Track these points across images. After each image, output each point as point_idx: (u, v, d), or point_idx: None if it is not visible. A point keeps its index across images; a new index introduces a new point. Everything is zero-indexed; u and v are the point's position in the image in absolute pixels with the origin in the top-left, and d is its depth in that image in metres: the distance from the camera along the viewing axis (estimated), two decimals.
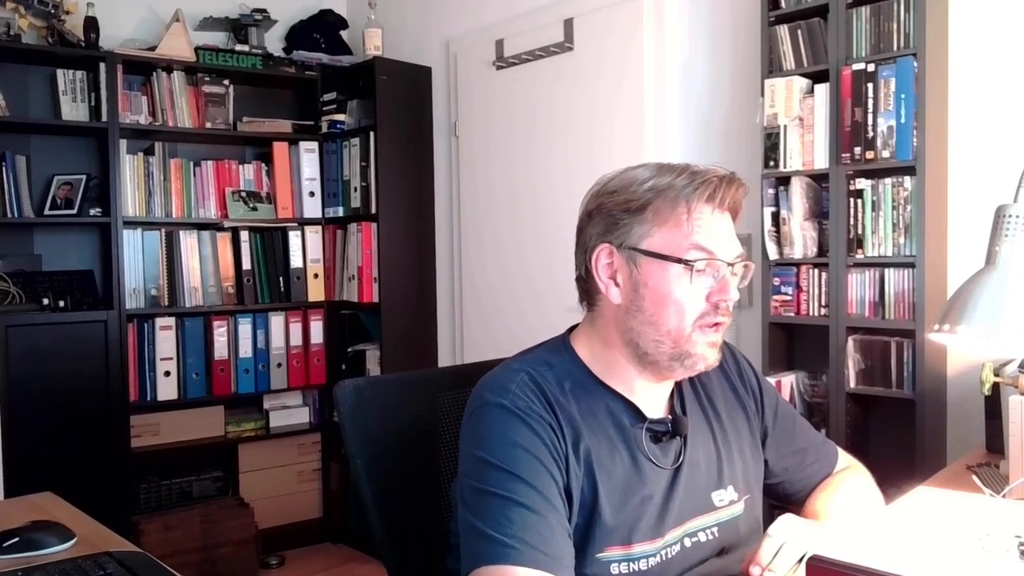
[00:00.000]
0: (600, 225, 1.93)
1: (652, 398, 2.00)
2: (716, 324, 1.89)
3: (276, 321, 6.03)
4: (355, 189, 5.95)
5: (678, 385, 2.07)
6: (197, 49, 5.74)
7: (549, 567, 1.67)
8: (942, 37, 3.70)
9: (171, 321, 5.66)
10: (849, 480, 2.28)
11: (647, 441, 1.94)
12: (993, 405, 2.88)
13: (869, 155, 3.64)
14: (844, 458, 2.38)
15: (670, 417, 2.00)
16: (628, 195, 1.89)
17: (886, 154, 3.60)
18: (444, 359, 6.09)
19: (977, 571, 1.73)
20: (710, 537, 1.98)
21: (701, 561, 1.97)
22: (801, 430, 2.30)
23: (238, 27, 6.10)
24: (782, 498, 2.30)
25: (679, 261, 1.84)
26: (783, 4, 3.91)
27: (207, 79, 5.86)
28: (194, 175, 5.82)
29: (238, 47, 6.00)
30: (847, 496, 2.21)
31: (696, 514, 1.98)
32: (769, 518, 2.00)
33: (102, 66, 5.38)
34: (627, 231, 1.88)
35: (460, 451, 1.88)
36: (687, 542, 1.94)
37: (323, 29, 6.35)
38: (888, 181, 3.62)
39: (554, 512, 1.74)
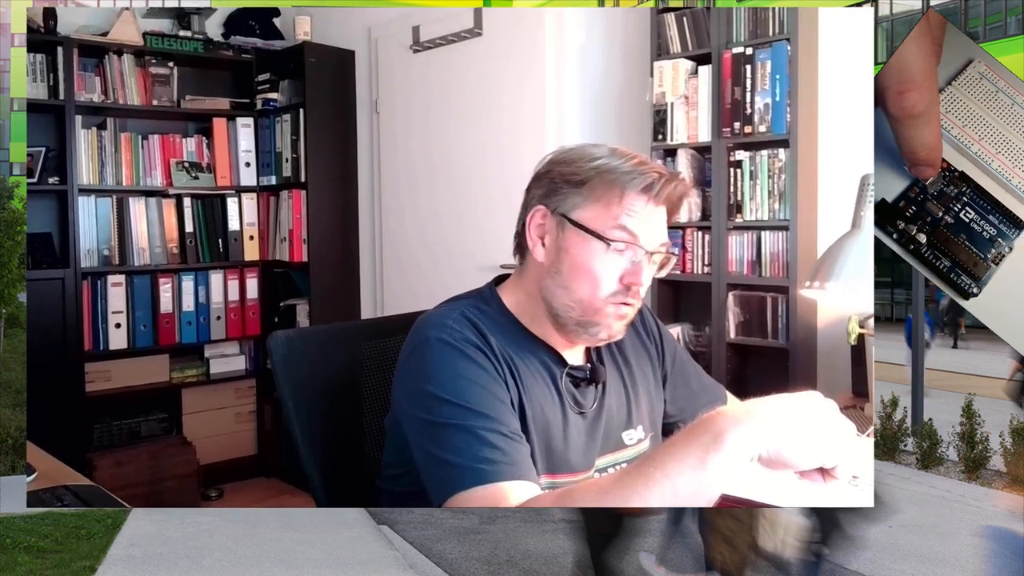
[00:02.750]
0: (543, 188, 1.90)
1: (571, 347, 1.96)
2: (626, 303, 1.85)
3: (216, 279, 5.96)
4: (286, 160, 5.90)
5: None
6: (145, 35, 5.69)
7: (516, 475, 1.65)
8: (812, 24, 3.68)
9: (121, 279, 5.60)
10: None
11: (568, 385, 1.92)
12: (858, 354, 2.90)
13: (747, 130, 3.63)
14: (732, 401, 2.35)
15: (588, 365, 1.97)
16: (574, 168, 1.86)
17: (763, 129, 3.59)
18: (366, 312, 6.05)
19: (840, 501, 1.75)
20: None
21: None
22: (695, 374, 2.29)
23: (181, 15, 6.06)
24: None
25: (600, 238, 1.80)
26: None
27: (154, 61, 5.78)
28: (142, 147, 5.74)
29: (182, 33, 5.94)
30: None
31: (609, 451, 1.97)
32: None
33: (59, 50, 5.32)
34: (563, 199, 1.85)
35: (401, 385, 1.83)
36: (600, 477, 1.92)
37: (258, 16, 6.30)
38: (764, 153, 3.62)
39: (507, 428, 1.70)
